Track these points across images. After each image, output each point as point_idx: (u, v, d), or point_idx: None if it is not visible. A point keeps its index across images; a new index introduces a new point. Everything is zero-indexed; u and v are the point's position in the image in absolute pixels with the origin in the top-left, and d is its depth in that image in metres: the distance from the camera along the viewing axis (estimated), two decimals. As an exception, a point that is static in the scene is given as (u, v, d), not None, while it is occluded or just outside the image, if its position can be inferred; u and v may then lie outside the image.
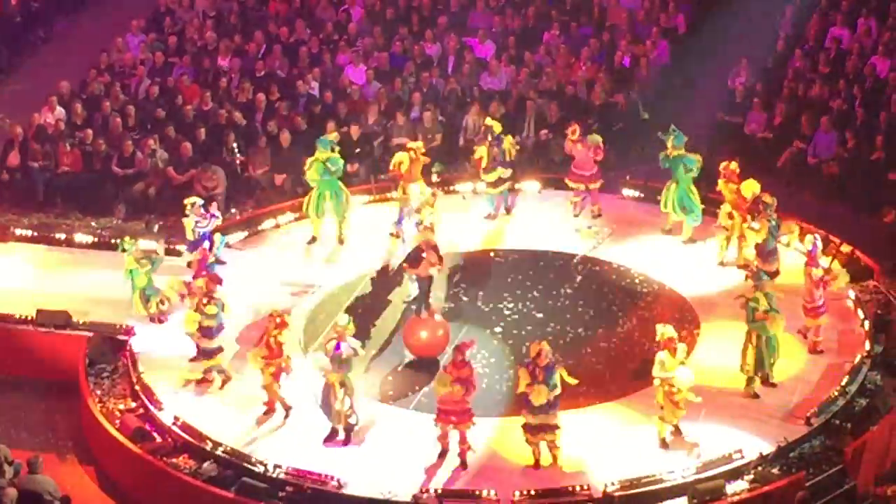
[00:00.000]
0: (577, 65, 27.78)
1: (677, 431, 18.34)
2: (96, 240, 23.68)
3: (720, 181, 22.20)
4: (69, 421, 20.09)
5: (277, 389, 19.09)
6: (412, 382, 20.04)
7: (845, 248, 22.01)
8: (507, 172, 23.89)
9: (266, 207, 24.85)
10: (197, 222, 22.02)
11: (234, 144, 26.02)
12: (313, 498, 17.63)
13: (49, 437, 19.91)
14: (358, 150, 25.81)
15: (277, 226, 24.22)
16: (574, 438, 18.32)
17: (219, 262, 22.09)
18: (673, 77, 27.69)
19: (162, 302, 21.20)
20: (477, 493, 17.48)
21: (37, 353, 20.83)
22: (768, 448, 18.02)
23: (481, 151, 23.80)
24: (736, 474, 17.72)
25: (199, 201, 22.24)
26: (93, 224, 24.92)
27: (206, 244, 21.84)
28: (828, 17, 27.76)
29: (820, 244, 20.38)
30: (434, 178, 24.45)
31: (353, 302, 21.92)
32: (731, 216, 22.18)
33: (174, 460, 18.41)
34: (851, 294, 21.01)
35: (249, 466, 18.07)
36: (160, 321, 21.25)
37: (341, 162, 23.18)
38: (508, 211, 24.31)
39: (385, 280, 22.63)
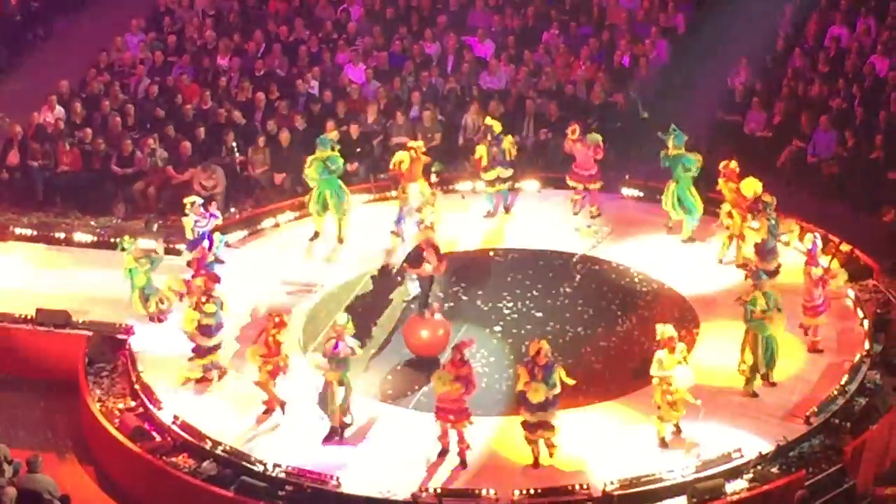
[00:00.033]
0: (576, 64, 27.77)
1: (678, 431, 18.34)
2: (96, 239, 23.68)
3: (720, 180, 22.20)
4: (69, 420, 20.08)
5: (272, 387, 19.08)
6: (412, 381, 20.05)
7: (845, 247, 22.02)
8: (507, 172, 23.88)
9: (265, 206, 24.86)
10: (196, 221, 22.02)
11: (234, 143, 26.03)
12: (313, 497, 17.63)
13: (48, 436, 19.91)
14: (359, 149, 25.80)
15: (277, 225, 24.22)
16: (574, 437, 18.33)
17: (218, 261, 22.10)
18: (672, 76, 27.70)
19: (161, 301, 21.20)
20: (476, 492, 17.49)
21: (36, 352, 20.82)
22: (768, 447, 18.02)
23: (481, 151, 23.82)
24: (735, 473, 17.70)
25: (199, 200, 22.25)
26: (92, 223, 24.92)
27: (206, 243, 21.84)
28: (827, 17, 27.76)
29: (820, 243, 20.39)
30: (433, 177, 24.45)
31: (352, 301, 21.93)
32: (730, 215, 22.19)
33: (174, 459, 18.40)
34: (851, 293, 21.01)
35: (249, 465, 18.07)
36: (159, 320, 21.25)
37: (341, 161, 23.19)
38: (508, 210, 24.31)
39: (385, 279, 22.62)
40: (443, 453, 18.28)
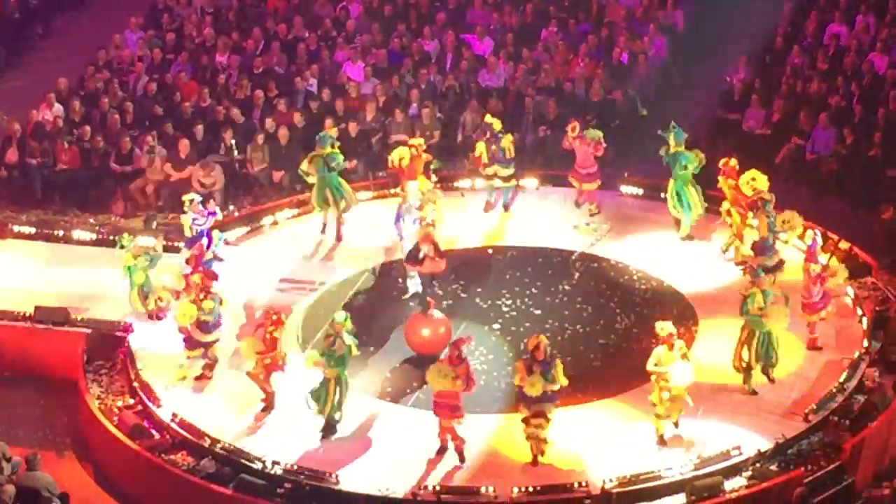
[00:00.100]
0: (575, 61, 27.76)
1: (676, 427, 18.34)
2: (94, 237, 23.67)
3: (720, 178, 22.19)
4: (67, 418, 20.08)
5: (262, 380, 19.07)
6: (410, 379, 20.04)
7: (843, 245, 22.02)
8: (505, 171, 23.81)
9: (264, 204, 24.86)
10: (195, 219, 22.00)
11: (233, 141, 26.04)
12: (311, 494, 17.63)
13: (47, 433, 19.91)
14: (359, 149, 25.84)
15: (276, 222, 24.21)
16: (572, 435, 18.33)
17: (217, 258, 22.07)
18: (671, 74, 27.72)
19: (160, 299, 21.20)
20: (475, 489, 17.48)
21: (35, 349, 20.81)
22: (766, 445, 18.02)
23: (481, 148, 23.81)
24: (734, 471, 17.70)
25: (198, 198, 22.21)
26: (91, 221, 24.92)
27: (204, 241, 21.83)
28: (826, 14, 27.76)
29: (820, 240, 20.39)
30: (432, 176, 24.44)
31: (351, 298, 21.93)
32: (729, 213, 22.19)
33: (172, 457, 18.40)
34: (850, 291, 21.00)
35: (248, 463, 18.07)
36: (158, 318, 21.24)
37: (341, 158, 23.20)
38: (507, 208, 24.28)
39: (384, 276, 22.63)
40: (441, 451, 18.28)
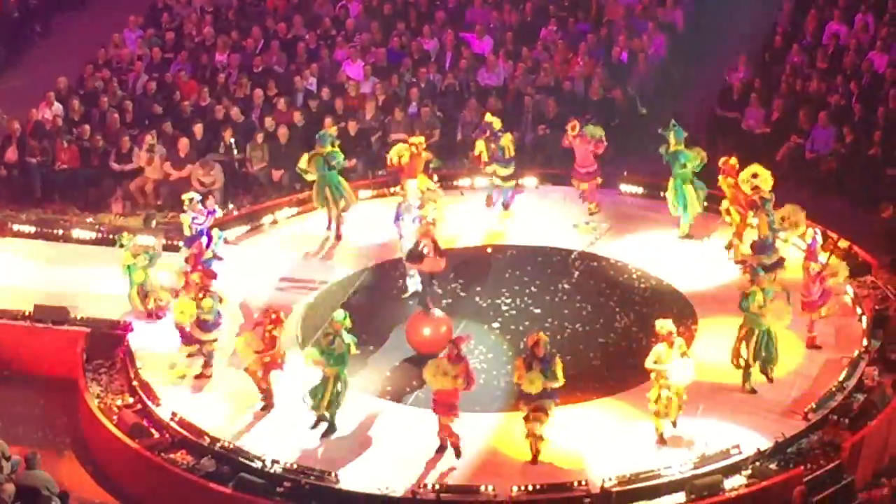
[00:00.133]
0: (574, 60, 27.74)
1: (675, 427, 18.35)
2: (94, 235, 23.67)
3: (720, 177, 22.19)
4: (67, 417, 20.09)
5: (259, 376, 19.07)
6: (410, 378, 20.03)
7: (843, 244, 22.02)
8: (504, 170, 23.78)
9: (264, 203, 24.86)
10: (194, 218, 21.98)
11: (232, 140, 26.03)
12: (311, 493, 17.63)
13: (47, 432, 19.92)
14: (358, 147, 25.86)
15: (275, 221, 24.21)
16: (572, 434, 18.34)
17: (217, 257, 22.05)
18: (671, 72, 27.71)
19: (159, 298, 21.20)
20: (475, 488, 17.49)
21: (35, 348, 20.81)
22: (766, 443, 18.03)
23: (480, 146, 23.81)
24: (734, 470, 17.72)
25: (197, 197, 22.21)
26: (90, 220, 24.91)
27: (204, 239, 21.82)
28: (825, 13, 27.75)
29: (820, 239, 20.38)
30: (433, 176, 24.43)
31: (350, 297, 21.93)
32: (728, 212, 22.19)
33: (172, 456, 18.41)
34: (849, 289, 21.00)
35: (247, 462, 18.07)
36: (158, 317, 21.24)
37: (342, 156, 23.20)
38: (506, 208, 24.25)
39: (384, 275, 22.62)
40: (441, 449, 18.28)
